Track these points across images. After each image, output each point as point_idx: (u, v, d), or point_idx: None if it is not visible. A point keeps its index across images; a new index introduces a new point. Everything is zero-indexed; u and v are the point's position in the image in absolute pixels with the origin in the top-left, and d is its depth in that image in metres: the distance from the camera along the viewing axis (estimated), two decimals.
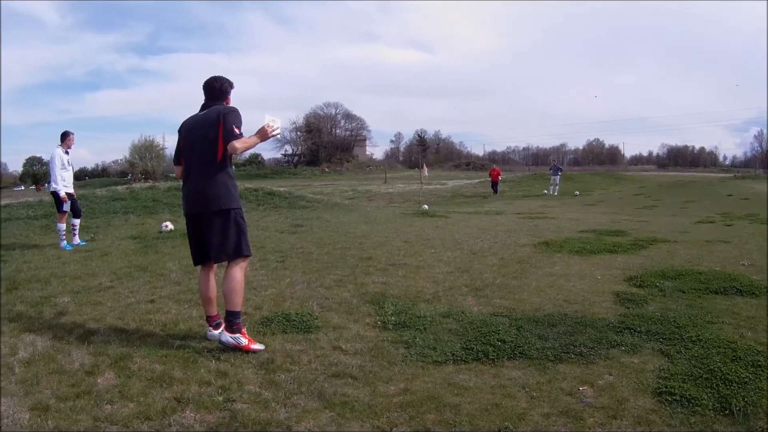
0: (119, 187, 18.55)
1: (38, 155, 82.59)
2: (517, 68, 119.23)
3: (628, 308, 4.19)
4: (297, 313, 4.06)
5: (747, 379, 2.75)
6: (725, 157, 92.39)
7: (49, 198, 10.32)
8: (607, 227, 10.19)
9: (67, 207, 8.34)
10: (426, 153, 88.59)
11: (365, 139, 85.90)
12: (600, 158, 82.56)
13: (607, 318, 3.90)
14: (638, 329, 3.61)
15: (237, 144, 3.27)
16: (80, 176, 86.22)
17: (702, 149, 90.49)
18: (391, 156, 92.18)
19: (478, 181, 37.29)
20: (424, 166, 32.65)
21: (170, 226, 9.90)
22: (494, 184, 28.11)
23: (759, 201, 17.29)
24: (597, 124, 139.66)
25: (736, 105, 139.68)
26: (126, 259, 6.86)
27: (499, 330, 3.60)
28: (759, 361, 2.99)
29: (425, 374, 2.97)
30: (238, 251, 3.47)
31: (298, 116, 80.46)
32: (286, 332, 3.71)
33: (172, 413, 2.53)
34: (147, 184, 23.31)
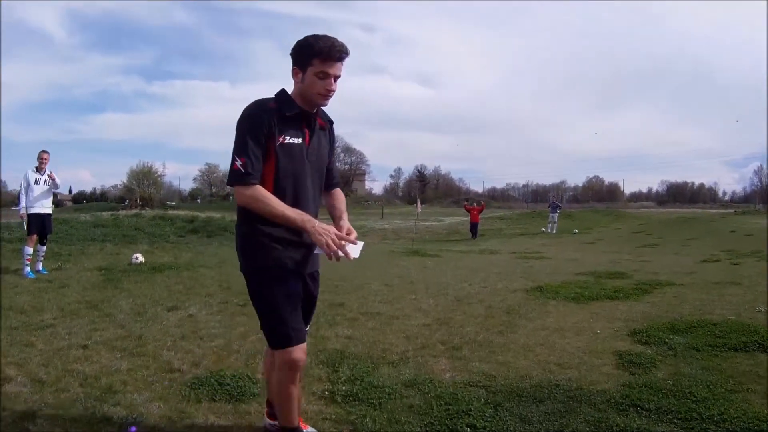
0: (104, 213, 18.20)
1: None
2: (518, 105, 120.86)
3: (634, 374, 3.46)
4: (234, 375, 3.35)
5: None
6: (724, 193, 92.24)
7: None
8: (607, 268, 9.49)
9: (34, 229, 7.98)
10: (425, 188, 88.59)
11: (364, 174, 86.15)
12: (600, 195, 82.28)
13: (608, 390, 3.16)
14: (646, 406, 2.86)
15: (246, 195, 2.13)
16: (79, 199, 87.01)
17: (701, 185, 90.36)
18: (390, 191, 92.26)
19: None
20: (418, 202, 32.17)
21: (140, 258, 9.38)
22: (473, 225, 23.72)
23: (763, 237, 16.61)
24: (596, 161, 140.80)
25: (735, 140, 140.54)
26: (82, 293, 6.41)
27: (471, 408, 2.85)
28: None
29: None
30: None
31: None
32: (214, 400, 3.01)
33: None
34: (133, 211, 22.82)
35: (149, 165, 61.63)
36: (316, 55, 2.09)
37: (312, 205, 2.28)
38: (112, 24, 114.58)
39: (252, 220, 2.16)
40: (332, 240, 2.05)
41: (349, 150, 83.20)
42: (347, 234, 2.19)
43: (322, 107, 2.28)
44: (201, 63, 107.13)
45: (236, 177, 2.10)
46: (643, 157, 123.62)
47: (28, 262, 7.87)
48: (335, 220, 2.34)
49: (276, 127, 2.12)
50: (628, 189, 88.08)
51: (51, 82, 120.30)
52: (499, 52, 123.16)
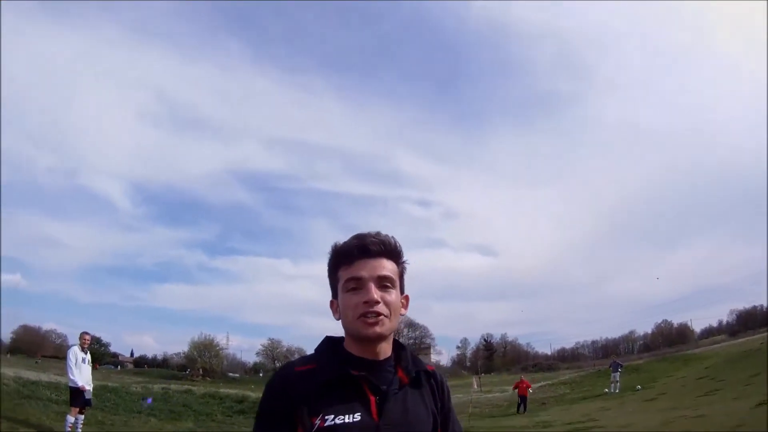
0: (155, 386, 18.26)
1: (98, 335, 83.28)
2: (576, 260, 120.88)
3: None
4: None
5: None
6: None
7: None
8: None
9: (79, 402, 8.70)
10: (493, 357, 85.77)
11: (429, 347, 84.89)
12: (670, 339, 77.88)
13: None
14: None
15: None
16: (140, 363, 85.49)
17: None
18: (458, 362, 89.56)
19: (538, 385, 35.19)
20: (474, 379, 31.56)
21: None
22: (523, 399, 22.87)
23: None
24: (662, 306, 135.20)
25: None
26: None
27: None
28: None
29: None
30: None
31: None
32: None
33: None
34: (183, 387, 22.78)
35: (211, 337, 61.56)
36: (341, 263, 1.49)
37: None
38: (175, 199, 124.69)
39: None
40: None
41: (412, 325, 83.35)
42: None
43: (406, 354, 1.55)
44: (262, 240, 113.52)
45: None
46: (708, 290, 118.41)
47: (69, 429, 8.58)
48: None
49: (307, 404, 1.37)
50: (698, 326, 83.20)
51: (115, 249, 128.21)
52: (552, 210, 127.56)
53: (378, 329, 1.41)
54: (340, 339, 1.53)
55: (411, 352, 1.56)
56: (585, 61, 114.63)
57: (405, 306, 1.57)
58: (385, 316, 1.43)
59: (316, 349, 1.53)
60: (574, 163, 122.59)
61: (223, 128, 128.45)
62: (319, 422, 1.34)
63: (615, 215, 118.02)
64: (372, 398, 1.41)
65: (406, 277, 1.57)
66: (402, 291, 1.55)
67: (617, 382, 25.13)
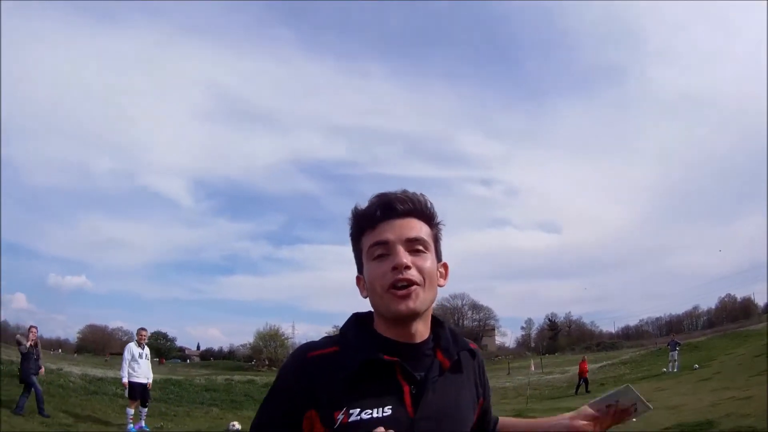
0: (219, 378, 19.16)
1: (164, 330, 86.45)
2: (638, 234, 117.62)
3: None
4: None
5: None
6: None
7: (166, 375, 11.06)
8: (699, 417, 9.87)
9: (136, 395, 9.39)
10: (557, 337, 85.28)
11: (494, 329, 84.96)
12: (733, 314, 75.57)
13: None
14: None
15: None
16: (207, 356, 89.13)
17: None
18: (523, 343, 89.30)
19: (598, 365, 35.54)
20: (532, 363, 32.23)
21: (237, 425, 9.93)
22: (583, 379, 23.83)
23: None
24: (725, 279, 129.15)
25: None
26: None
27: None
28: None
29: None
30: None
31: None
32: None
33: None
34: (246, 377, 23.39)
35: (276, 327, 62.03)
36: (364, 227, 1.26)
37: None
38: (237, 193, 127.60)
39: None
40: None
41: (476, 307, 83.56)
42: None
43: (446, 332, 1.30)
44: (327, 227, 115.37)
45: None
46: None
47: (131, 421, 9.31)
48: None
49: (328, 395, 1.14)
50: (762, 300, 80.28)
51: (180, 245, 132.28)
52: (614, 184, 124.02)
53: (411, 304, 1.15)
54: (369, 316, 1.27)
55: (451, 328, 1.31)
56: (645, 28, 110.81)
57: (444, 276, 1.30)
58: (419, 285, 1.17)
59: (341, 329, 1.26)
60: (635, 135, 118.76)
61: (281, 119, 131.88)
62: (342, 417, 1.10)
63: (677, 187, 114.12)
64: (406, 388, 1.16)
65: (443, 243, 1.33)
66: (439, 258, 1.29)
67: (675, 360, 25.30)
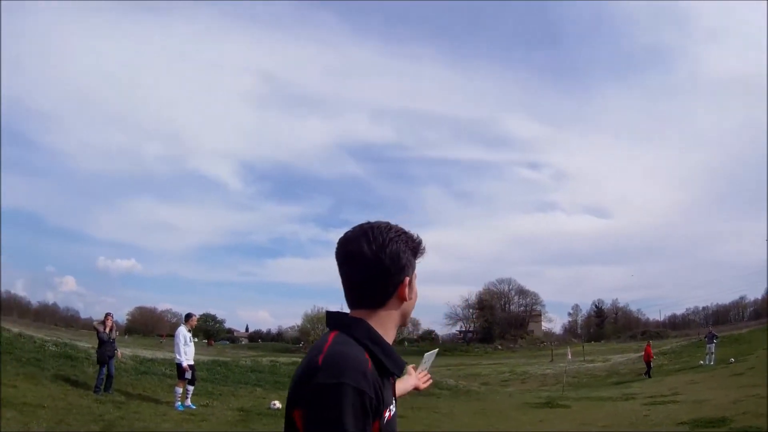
0: (264, 359, 19.65)
1: (212, 312, 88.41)
2: (689, 222, 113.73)
3: None
4: None
5: None
6: None
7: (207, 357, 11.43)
8: (718, 413, 10.20)
9: (188, 375, 9.94)
10: (604, 324, 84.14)
11: (540, 314, 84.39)
12: None
13: None
14: None
15: None
16: (255, 338, 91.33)
17: None
18: (569, 329, 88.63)
19: (638, 355, 35.46)
20: (569, 350, 32.42)
21: (278, 404, 10.27)
22: (647, 365, 24.99)
23: None
24: None
25: None
26: (215, 427, 8.08)
27: None
28: None
29: None
30: None
31: (471, 293, 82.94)
32: None
33: None
34: (291, 359, 23.73)
35: (324, 310, 63.41)
36: (417, 254, 1.44)
37: None
38: (286, 176, 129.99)
39: None
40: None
41: (522, 292, 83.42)
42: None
43: None
44: (375, 210, 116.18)
45: None
46: None
47: (179, 399, 9.77)
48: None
49: (382, 397, 1.25)
50: None
51: (228, 228, 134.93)
52: (664, 169, 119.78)
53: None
54: (375, 331, 1.34)
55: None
56: (694, 7, 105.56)
57: None
58: None
59: (355, 337, 1.29)
60: (684, 119, 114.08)
61: (329, 102, 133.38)
62: (387, 414, 1.27)
63: (728, 173, 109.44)
64: (394, 386, 1.43)
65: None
66: None
67: (712, 353, 25.31)
